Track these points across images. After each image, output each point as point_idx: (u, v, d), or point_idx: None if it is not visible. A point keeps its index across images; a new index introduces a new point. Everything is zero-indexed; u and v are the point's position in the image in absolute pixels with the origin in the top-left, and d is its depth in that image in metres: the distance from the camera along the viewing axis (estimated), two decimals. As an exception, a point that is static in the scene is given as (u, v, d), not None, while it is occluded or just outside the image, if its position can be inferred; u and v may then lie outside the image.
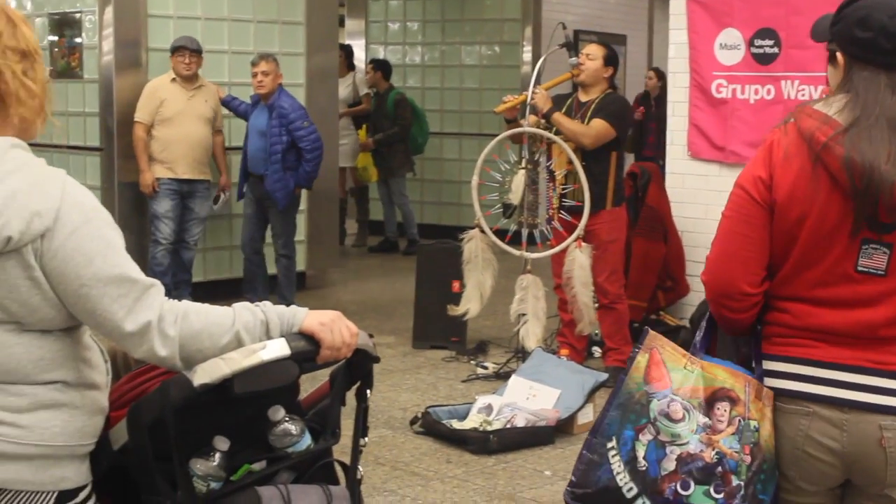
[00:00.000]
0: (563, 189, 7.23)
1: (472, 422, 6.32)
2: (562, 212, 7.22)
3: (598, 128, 7.20)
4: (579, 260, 7.13)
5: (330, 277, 10.89)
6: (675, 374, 2.85)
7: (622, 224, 7.49)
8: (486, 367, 7.66)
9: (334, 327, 2.56)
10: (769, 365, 2.87)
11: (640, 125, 13.08)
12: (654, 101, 13.05)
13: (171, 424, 2.40)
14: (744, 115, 8.05)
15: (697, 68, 8.24)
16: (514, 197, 7.34)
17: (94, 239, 2.33)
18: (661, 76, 12.25)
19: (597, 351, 7.94)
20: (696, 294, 8.18)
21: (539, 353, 6.93)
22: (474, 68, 13.95)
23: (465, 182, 13.86)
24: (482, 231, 7.48)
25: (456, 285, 8.14)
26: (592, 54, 7.41)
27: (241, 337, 2.44)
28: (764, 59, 7.95)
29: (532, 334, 7.31)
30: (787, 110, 7.73)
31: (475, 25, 13.92)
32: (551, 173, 7.30)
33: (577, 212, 7.15)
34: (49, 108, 2.46)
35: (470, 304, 7.58)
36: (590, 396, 6.47)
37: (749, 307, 2.86)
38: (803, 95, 7.78)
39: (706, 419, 2.80)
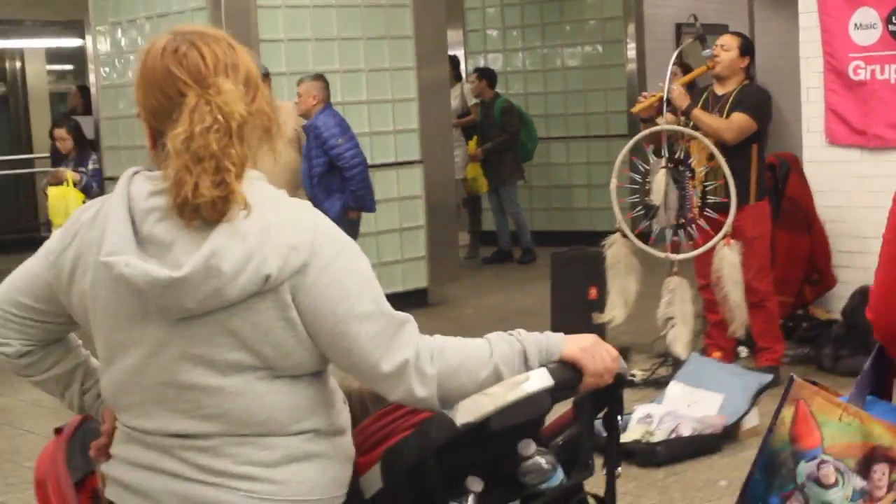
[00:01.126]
0: (707, 186, 6.98)
1: (633, 433, 6.07)
2: (707, 209, 6.97)
3: (740, 121, 6.94)
4: (729, 258, 6.86)
5: (451, 293, 10.72)
6: (826, 429, 2.38)
7: (766, 218, 7.22)
8: (633, 376, 7.42)
9: (595, 352, 2.37)
10: None
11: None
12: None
13: (432, 467, 2.23)
14: (885, 95, 7.73)
15: (832, 51, 7.94)
16: (656, 198, 7.09)
17: (348, 272, 2.18)
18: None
19: (742, 351, 7.68)
20: (844, 285, 7.89)
21: (696, 357, 6.68)
22: (577, 70, 13.73)
23: (575, 186, 13.72)
24: (624, 235, 7.24)
25: (593, 292, 7.93)
26: (727, 45, 7.15)
27: (499, 370, 2.27)
28: (903, 37, 7.64)
29: (680, 339, 7.06)
30: (932, 88, 7.59)
31: (576, 26, 13.71)
32: (692, 171, 7.05)
33: (721, 208, 6.89)
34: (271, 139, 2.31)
35: (615, 311, 7.34)
36: (755, 400, 6.22)
37: None
38: (948, 72, 7.47)
39: (863, 482, 2.34)
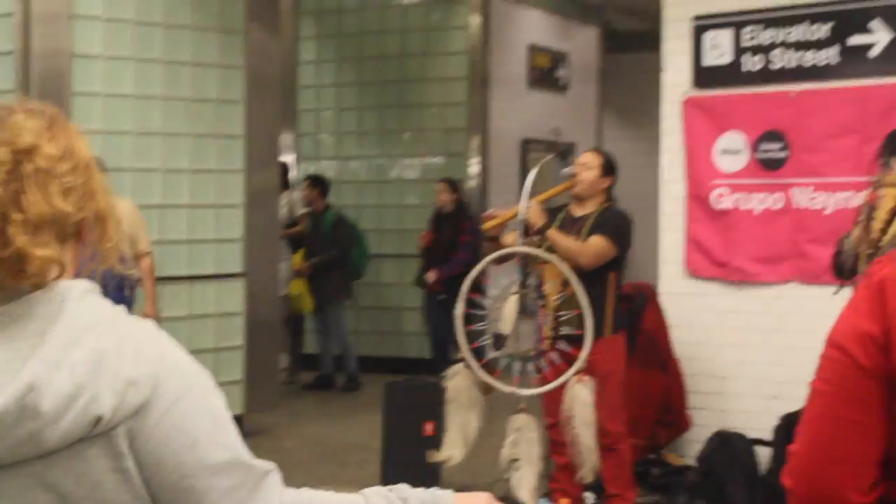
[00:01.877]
0: (560, 316, 6.79)
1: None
2: (559, 342, 6.77)
3: (598, 246, 6.80)
4: (581, 396, 6.65)
5: (270, 421, 10.31)
6: None
7: (622, 353, 7.06)
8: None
9: None
10: None
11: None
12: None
13: None
14: (748, 226, 7.73)
15: (695, 176, 7.93)
16: (506, 326, 6.87)
17: (198, 413, 1.84)
18: (454, 188, 12.01)
19: (589, 497, 7.46)
20: (699, 429, 7.81)
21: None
22: (416, 182, 13.58)
23: (406, 309, 13.46)
24: (467, 366, 6.98)
25: (429, 427, 7.66)
26: (589, 163, 7.04)
27: None
28: (770, 165, 7.67)
29: (525, 483, 6.78)
30: (798, 221, 7.61)
31: (416, 136, 13.59)
32: (544, 298, 6.86)
33: (574, 341, 6.70)
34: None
35: (453, 449, 7.03)
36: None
37: None
38: (815, 204, 7.50)
39: None
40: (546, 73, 14.55)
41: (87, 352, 1.76)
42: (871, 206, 5.82)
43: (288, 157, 13.68)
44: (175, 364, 1.85)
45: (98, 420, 1.74)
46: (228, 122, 9.54)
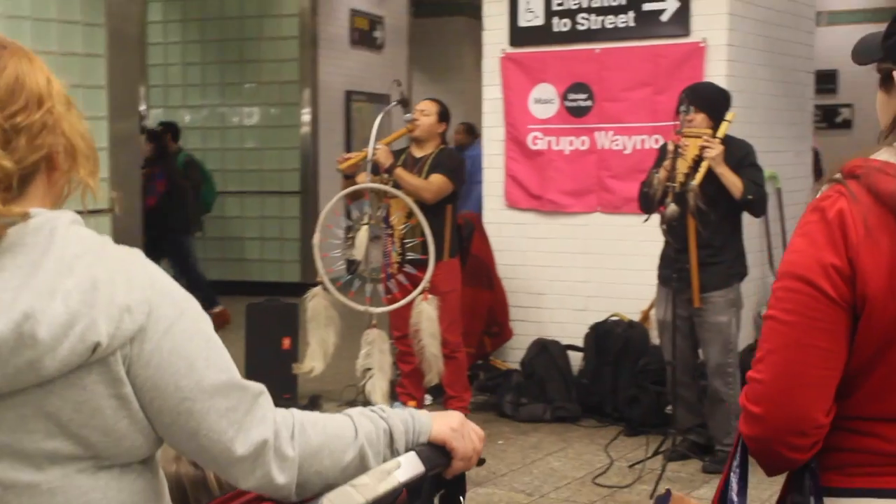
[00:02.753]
0: (408, 243, 6.66)
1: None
2: (406, 265, 6.64)
3: (438, 182, 6.66)
4: (427, 312, 6.54)
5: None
6: None
7: (457, 274, 6.97)
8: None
9: (465, 433, 1.91)
10: (847, 503, 1.96)
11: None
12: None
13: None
14: (559, 165, 7.69)
15: (513, 122, 7.83)
16: (358, 253, 6.69)
17: (192, 336, 1.62)
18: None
19: (427, 398, 7.40)
20: (520, 338, 7.78)
21: (400, 408, 6.29)
22: (254, 129, 13.20)
23: (248, 238, 13.14)
24: (325, 289, 6.78)
25: (287, 342, 7.47)
26: (427, 110, 6.87)
27: (364, 452, 1.77)
28: (577, 112, 7.62)
29: (378, 388, 6.65)
30: (601, 160, 7.60)
31: (254, 88, 13.19)
32: (392, 228, 6.71)
33: (419, 264, 6.58)
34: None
35: (315, 362, 6.86)
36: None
37: (818, 441, 1.94)
38: (616, 146, 7.48)
39: None
40: (365, 34, 14.27)
41: (80, 280, 1.54)
42: (676, 151, 5.84)
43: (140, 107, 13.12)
44: (166, 289, 1.63)
45: (96, 347, 1.53)
46: (93, 74, 9.03)
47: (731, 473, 2.03)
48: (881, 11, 18.11)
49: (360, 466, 1.76)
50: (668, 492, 2.09)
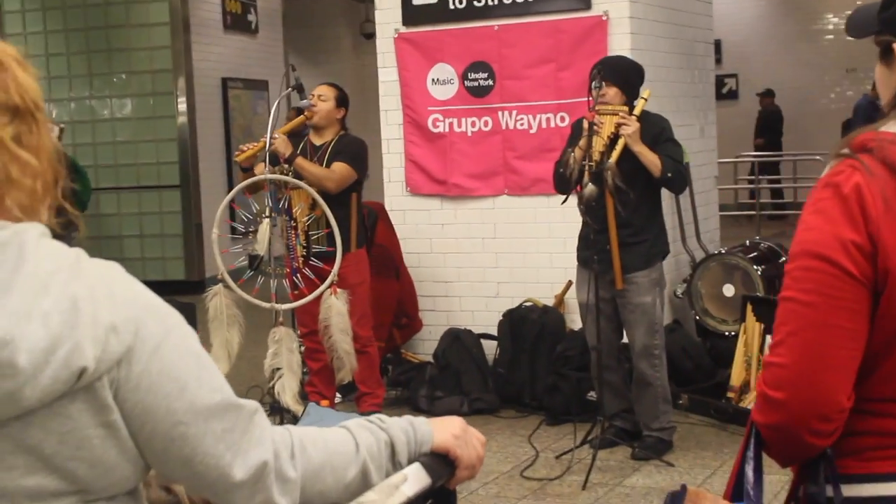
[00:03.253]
0: (313, 235, 6.51)
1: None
2: (312, 259, 6.49)
3: (341, 171, 6.52)
4: (336, 306, 6.39)
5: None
6: None
7: (366, 265, 6.85)
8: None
9: (468, 440, 1.82)
10: (867, 489, 1.90)
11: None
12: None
13: None
14: (462, 147, 7.60)
15: (411, 104, 7.72)
16: (260, 247, 6.51)
17: (182, 355, 1.50)
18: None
19: (337, 396, 7.27)
20: (429, 328, 7.69)
21: (315, 407, 6.15)
22: (127, 121, 12.82)
23: (126, 236, 12.79)
24: (226, 286, 6.59)
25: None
26: (325, 95, 6.71)
27: (367, 467, 1.68)
28: (478, 92, 7.53)
29: (288, 388, 6.49)
30: (506, 140, 7.53)
31: (125, 78, 12.80)
32: (295, 220, 6.55)
33: (325, 257, 6.43)
34: (55, 191, 1.56)
35: (219, 364, 6.66)
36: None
37: (840, 426, 1.88)
38: (521, 125, 7.42)
39: None
40: (238, 17, 13.99)
41: (59, 299, 1.40)
42: (591, 127, 5.79)
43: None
44: (151, 305, 1.50)
45: (82, 372, 1.40)
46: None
47: (745, 464, 1.98)
48: (760, -21, 18.48)
49: (363, 482, 1.67)
50: (684, 487, 2.01)
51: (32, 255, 1.42)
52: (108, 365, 1.42)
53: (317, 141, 6.72)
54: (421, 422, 1.80)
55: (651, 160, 5.75)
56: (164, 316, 1.50)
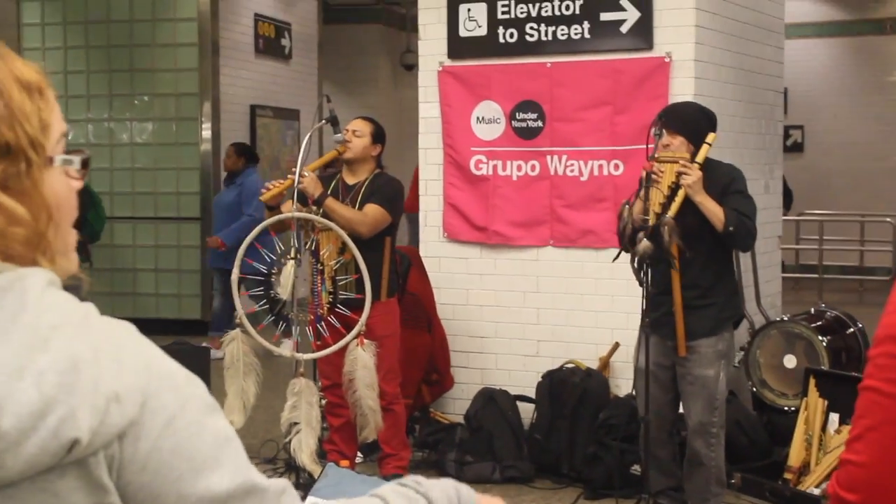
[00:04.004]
0: (340, 280, 6.42)
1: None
2: (339, 306, 6.40)
3: (374, 214, 6.44)
4: (362, 359, 6.30)
5: None
6: None
7: (396, 316, 6.75)
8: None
9: None
10: None
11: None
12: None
13: None
14: (507, 192, 7.52)
15: (453, 143, 7.65)
16: (283, 291, 6.43)
17: (199, 432, 1.39)
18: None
19: (358, 456, 7.16)
20: (462, 386, 7.60)
21: (334, 468, 6.01)
22: (147, 146, 12.83)
23: (140, 270, 12.77)
24: (244, 331, 6.50)
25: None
26: (360, 130, 6.65)
27: None
28: (526, 134, 7.46)
29: (306, 445, 6.39)
30: (554, 188, 7.45)
31: (147, 101, 12.83)
32: (322, 264, 6.47)
33: (353, 305, 6.34)
34: (62, 241, 1.46)
35: (233, 416, 6.55)
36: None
37: None
38: (571, 171, 7.34)
39: None
40: (271, 41, 14.02)
41: (57, 357, 1.31)
42: (648, 177, 5.68)
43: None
44: (165, 372, 1.40)
45: (73, 444, 1.29)
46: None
47: None
48: (832, 25, 18.37)
49: None
50: None
51: (34, 304, 1.33)
52: (106, 439, 1.32)
53: (350, 180, 6.65)
54: (465, 488, 1.72)
55: (713, 212, 5.61)
56: (181, 385, 1.40)
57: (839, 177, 17.79)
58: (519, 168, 7.48)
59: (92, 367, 1.32)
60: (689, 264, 5.65)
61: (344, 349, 6.30)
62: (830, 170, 17.82)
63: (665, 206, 5.63)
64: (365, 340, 6.29)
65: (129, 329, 1.42)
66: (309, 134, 6.63)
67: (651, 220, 5.61)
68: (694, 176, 5.62)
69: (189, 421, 1.38)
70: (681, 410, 6.01)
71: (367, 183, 6.58)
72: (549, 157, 7.40)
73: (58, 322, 1.33)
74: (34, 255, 1.40)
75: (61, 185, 1.44)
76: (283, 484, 1.48)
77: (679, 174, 5.64)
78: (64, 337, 1.32)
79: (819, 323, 7.49)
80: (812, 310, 7.86)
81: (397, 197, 6.63)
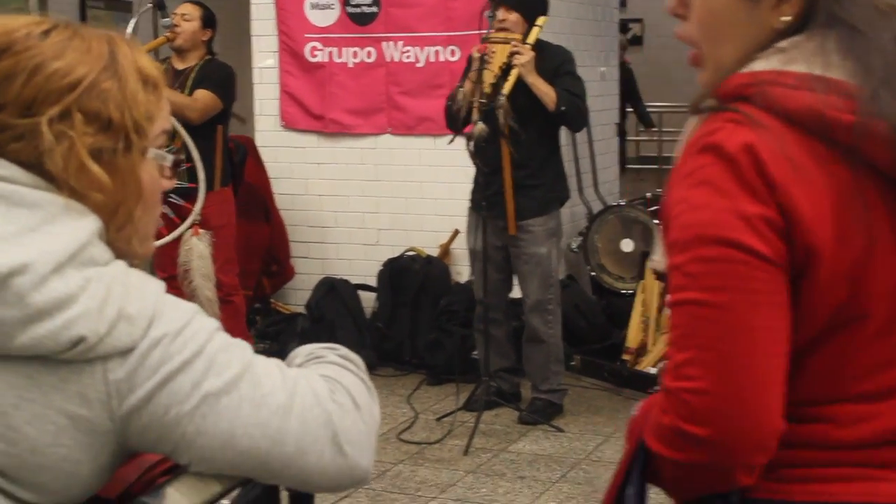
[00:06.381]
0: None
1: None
2: (171, 195, 6.25)
3: (205, 99, 6.28)
4: (198, 249, 6.21)
5: None
6: None
7: (231, 206, 6.63)
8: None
9: None
10: None
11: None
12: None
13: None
14: (343, 80, 7.41)
15: (287, 31, 7.50)
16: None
17: (209, 339, 1.54)
18: None
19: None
20: (302, 277, 7.53)
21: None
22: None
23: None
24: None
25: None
26: (189, 14, 6.45)
27: None
28: (361, 19, 7.34)
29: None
30: (390, 73, 7.35)
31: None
32: (153, 152, 6.30)
33: (187, 194, 6.20)
34: (145, 225, 1.56)
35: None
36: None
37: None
38: (408, 58, 7.25)
39: None
40: (100, -70, 13.51)
41: (83, 274, 1.42)
42: (481, 59, 5.65)
43: None
44: (172, 303, 1.52)
45: (77, 342, 1.37)
46: None
47: (627, 486, 1.65)
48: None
49: None
50: None
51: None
52: (108, 350, 1.39)
53: (179, 65, 6.47)
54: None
55: (545, 92, 5.61)
56: (187, 309, 1.54)
57: (678, 69, 18.00)
58: (355, 55, 7.37)
59: (117, 286, 1.41)
60: (520, 144, 5.65)
61: (179, 239, 6.19)
62: (669, 62, 18.02)
63: (496, 87, 5.60)
64: (200, 230, 6.19)
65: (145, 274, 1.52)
66: (135, 19, 6.42)
67: (484, 102, 5.58)
68: (527, 56, 5.60)
69: (195, 329, 1.51)
70: (515, 295, 6.05)
71: (196, 69, 6.41)
72: (384, 44, 7.30)
73: (97, 256, 1.43)
74: (107, 222, 1.47)
75: (152, 176, 1.52)
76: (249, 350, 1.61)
77: (511, 54, 5.62)
78: (94, 265, 1.41)
79: (656, 208, 7.59)
80: (648, 195, 7.95)
81: (229, 82, 6.47)
